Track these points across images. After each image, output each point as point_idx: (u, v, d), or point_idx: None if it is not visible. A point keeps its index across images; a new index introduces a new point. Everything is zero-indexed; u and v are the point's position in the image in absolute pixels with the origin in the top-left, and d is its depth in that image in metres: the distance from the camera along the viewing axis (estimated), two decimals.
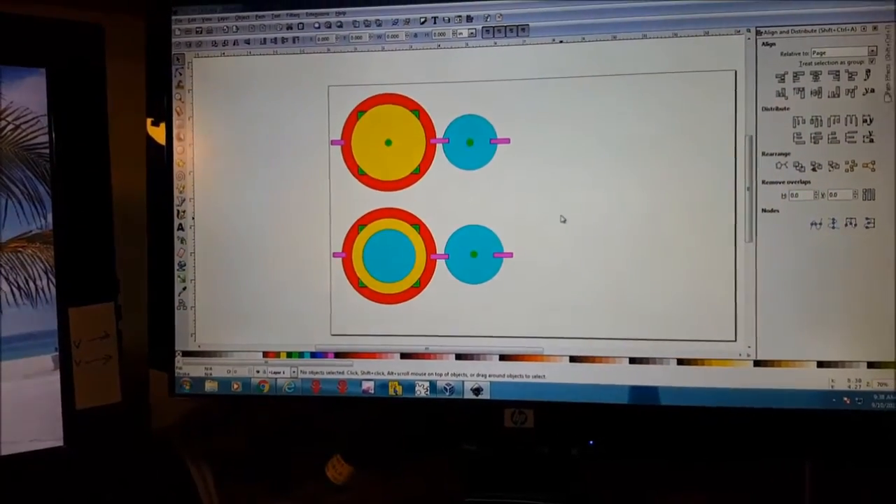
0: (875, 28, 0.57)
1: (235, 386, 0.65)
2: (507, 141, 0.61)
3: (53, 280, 0.62)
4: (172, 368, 0.65)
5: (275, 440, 0.73)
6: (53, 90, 0.61)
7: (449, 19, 0.62)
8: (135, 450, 0.65)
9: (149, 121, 0.66)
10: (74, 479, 0.63)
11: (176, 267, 0.65)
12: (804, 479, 0.66)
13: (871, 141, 0.57)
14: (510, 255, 0.62)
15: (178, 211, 0.65)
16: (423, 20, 0.62)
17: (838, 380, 0.58)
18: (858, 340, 0.58)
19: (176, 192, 0.65)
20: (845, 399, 0.58)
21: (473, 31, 0.61)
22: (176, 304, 0.65)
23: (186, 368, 0.65)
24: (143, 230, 0.66)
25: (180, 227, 0.65)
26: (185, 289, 0.65)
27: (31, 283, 0.61)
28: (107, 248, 0.63)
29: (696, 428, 0.66)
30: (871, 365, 0.58)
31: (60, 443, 0.62)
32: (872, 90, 0.57)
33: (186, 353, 0.65)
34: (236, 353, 0.65)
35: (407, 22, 0.62)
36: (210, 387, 0.65)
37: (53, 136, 0.61)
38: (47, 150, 0.61)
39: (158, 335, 0.66)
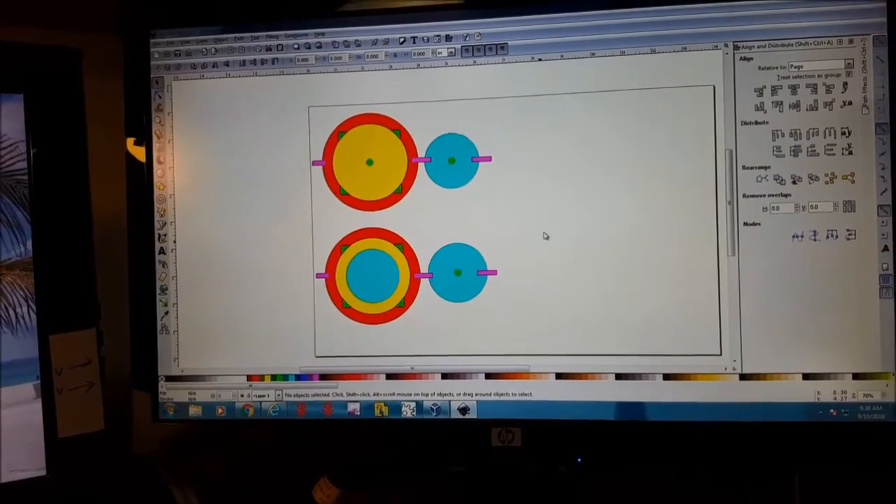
0: (851, 41, 0.57)
1: (220, 410, 0.64)
2: (489, 159, 0.61)
3: (34, 307, 0.61)
4: (156, 394, 0.65)
5: (261, 463, 0.72)
6: (31, 116, 0.61)
7: (428, 39, 0.62)
8: (119, 477, 0.65)
9: (128, 144, 0.65)
10: None
11: (158, 291, 0.65)
12: (794, 490, 0.65)
13: (850, 153, 0.57)
14: (494, 272, 0.61)
15: (160, 234, 0.65)
16: (402, 40, 0.62)
17: (824, 392, 0.58)
18: (843, 352, 0.58)
19: (157, 216, 0.65)
20: (832, 411, 0.58)
21: (453, 50, 0.61)
22: (158, 328, 0.65)
23: (170, 393, 0.65)
24: (123, 255, 0.66)
25: (161, 251, 0.65)
26: (167, 313, 0.65)
27: (11, 311, 0.61)
28: (87, 273, 0.63)
29: (684, 442, 0.66)
30: (856, 376, 0.58)
31: (43, 472, 0.61)
32: (850, 102, 0.57)
33: (170, 378, 0.65)
34: (220, 377, 0.64)
35: (386, 42, 0.62)
36: (194, 412, 0.65)
37: (32, 161, 0.61)
38: (26, 177, 0.61)
39: (141, 360, 0.65)
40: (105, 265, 0.64)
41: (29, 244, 0.61)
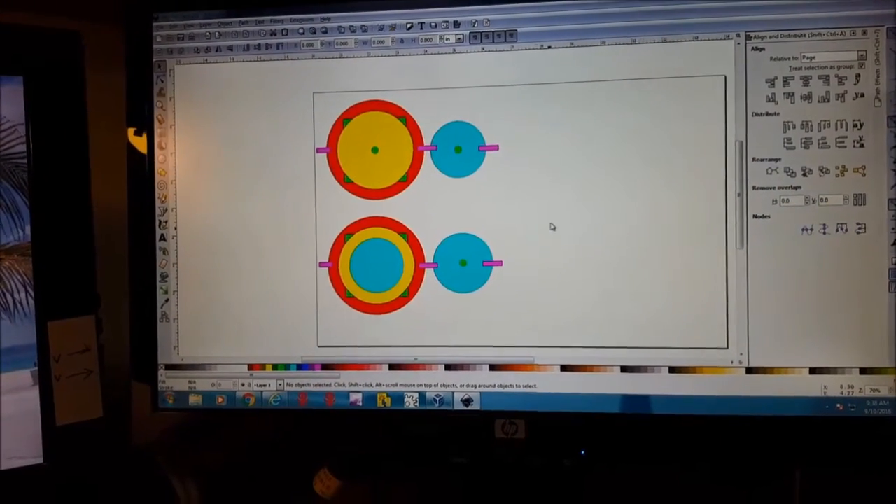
0: (864, 33, 0.56)
1: (220, 400, 0.64)
2: (496, 148, 0.60)
3: (32, 293, 0.60)
4: (155, 382, 0.64)
5: (261, 454, 0.72)
6: (31, 98, 0.60)
7: (436, 25, 0.61)
8: (117, 467, 0.64)
9: (130, 129, 0.65)
10: (55, 498, 0.61)
11: (158, 278, 0.64)
12: (794, 485, 0.65)
13: (862, 146, 0.57)
14: (499, 263, 0.61)
15: (160, 221, 0.64)
16: (409, 26, 0.61)
17: (831, 386, 0.58)
18: (851, 346, 0.57)
19: (158, 202, 0.64)
20: (838, 405, 0.58)
21: (461, 36, 0.61)
22: (158, 316, 0.64)
23: (170, 382, 0.64)
24: (124, 241, 0.65)
25: (162, 238, 0.64)
26: (167, 301, 0.64)
27: (9, 297, 0.60)
28: (87, 259, 0.62)
29: (689, 436, 0.65)
30: (863, 371, 0.57)
31: (40, 460, 0.61)
32: (862, 95, 0.56)
33: (169, 367, 0.64)
34: (220, 366, 0.64)
35: (393, 28, 0.61)
36: (194, 401, 0.64)
37: (31, 145, 0.60)
38: (25, 160, 0.60)
39: (140, 349, 0.64)
40: (105, 251, 0.63)
41: (27, 229, 0.60)
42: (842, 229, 0.57)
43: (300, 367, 0.63)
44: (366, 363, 0.62)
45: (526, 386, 0.61)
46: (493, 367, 0.61)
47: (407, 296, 0.62)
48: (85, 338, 0.61)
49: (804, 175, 0.57)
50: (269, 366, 0.63)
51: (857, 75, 0.57)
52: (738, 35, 0.58)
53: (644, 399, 0.60)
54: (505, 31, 0.60)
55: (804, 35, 0.57)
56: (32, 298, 0.60)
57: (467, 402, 0.62)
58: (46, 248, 0.60)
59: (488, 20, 0.60)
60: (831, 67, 0.57)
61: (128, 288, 0.65)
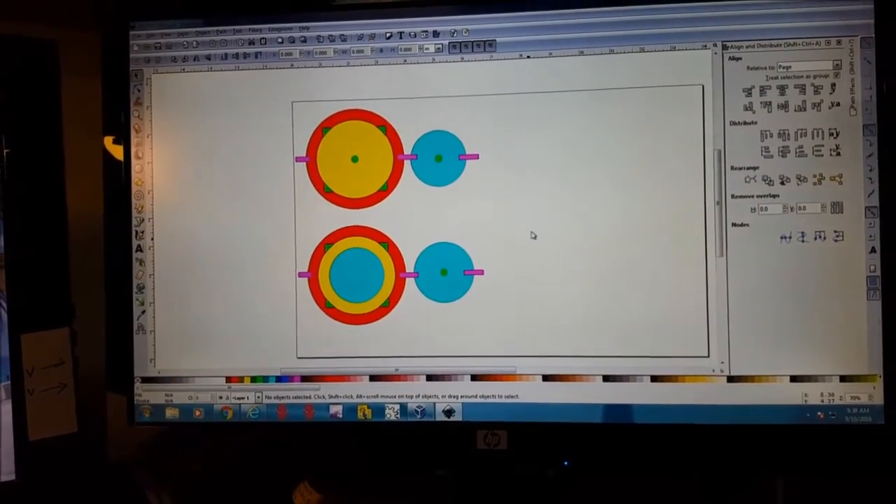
0: (839, 42, 0.57)
1: (197, 413, 0.63)
2: (476, 157, 0.60)
3: (5, 305, 0.59)
4: (131, 396, 0.63)
5: (239, 468, 0.71)
6: (5, 108, 0.59)
7: (415, 34, 0.61)
8: (93, 482, 0.63)
9: (106, 139, 0.64)
10: None
11: (134, 290, 0.63)
12: (776, 493, 0.65)
13: (838, 154, 0.57)
14: (481, 272, 0.60)
15: (137, 231, 0.63)
16: (388, 35, 0.61)
17: (811, 394, 0.58)
18: (831, 354, 0.58)
19: (134, 212, 0.63)
20: (819, 414, 0.58)
21: (440, 46, 0.61)
22: (135, 328, 0.63)
23: (146, 395, 0.63)
24: (99, 251, 0.64)
25: (139, 249, 0.63)
26: (143, 312, 0.63)
27: None
28: (62, 270, 0.61)
29: (671, 445, 0.65)
30: (843, 379, 0.58)
31: (13, 477, 0.59)
32: (838, 104, 0.57)
33: (146, 380, 0.63)
34: (198, 379, 0.63)
35: (372, 37, 0.61)
36: (171, 414, 0.63)
37: (5, 155, 0.59)
38: None
39: (116, 361, 0.63)
40: (80, 262, 0.62)
41: (1, 240, 0.59)
42: (820, 237, 0.57)
43: (279, 378, 0.62)
44: (346, 374, 0.62)
45: (508, 396, 0.61)
46: (474, 378, 0.61)
47: (387, 306, 0.61)
48: (59, 350, 0.61)
49: (782, 183, 0.58)
50: (247, 378, 0.62)
51: (833, 84, 0.57)
52: (715, 45, 0.58)
53: (626, 408, 0.59)
54: (484, 41, 0.60)
55: (780, 45, 0.57)
56: (5, 310, 0.59)
57: (449, 413, 0.61)
58: (20, 259, 0.59)
59: (467, 30, 0.60)
60: (807, 77, 0.57)
61: (103, 299, 0.64)
